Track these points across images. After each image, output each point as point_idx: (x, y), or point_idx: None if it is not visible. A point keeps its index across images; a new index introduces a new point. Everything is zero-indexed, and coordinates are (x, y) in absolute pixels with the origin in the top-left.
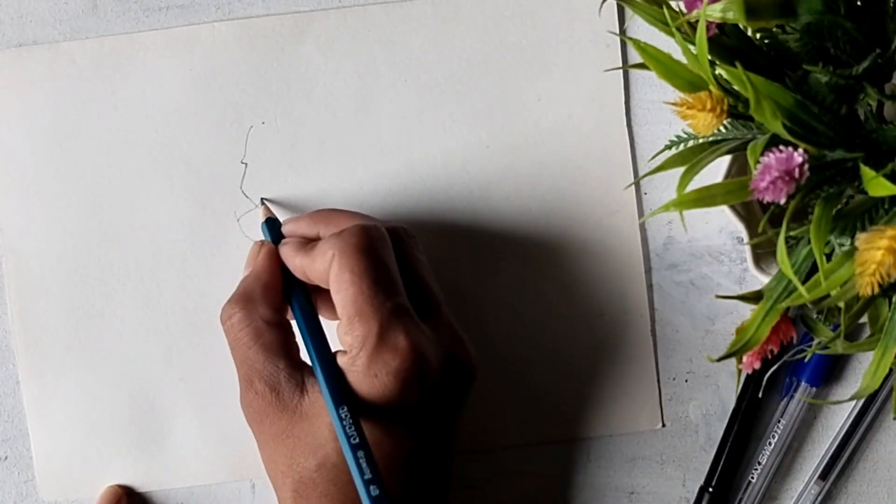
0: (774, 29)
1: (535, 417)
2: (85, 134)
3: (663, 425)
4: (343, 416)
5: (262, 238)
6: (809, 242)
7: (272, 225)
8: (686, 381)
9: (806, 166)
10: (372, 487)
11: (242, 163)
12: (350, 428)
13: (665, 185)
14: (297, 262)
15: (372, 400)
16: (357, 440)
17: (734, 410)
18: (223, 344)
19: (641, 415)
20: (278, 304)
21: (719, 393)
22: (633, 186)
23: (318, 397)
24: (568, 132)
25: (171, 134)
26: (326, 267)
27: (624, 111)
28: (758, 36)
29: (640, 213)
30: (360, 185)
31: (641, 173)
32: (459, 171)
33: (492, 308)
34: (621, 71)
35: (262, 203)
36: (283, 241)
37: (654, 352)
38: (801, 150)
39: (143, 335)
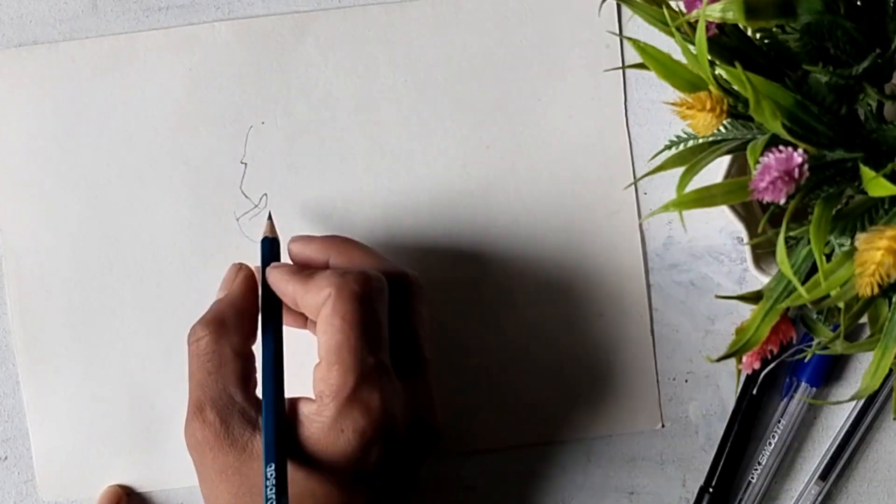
0: (774, 29)
1: (534, 417)
2: (85, 134)
3: (663, 425)
4: (269, 474)
5: (259, 250)
6: (809, 243)
7: (272, 245)
8: (686, 381)
9: (806, 166)
10: None
11: (242, 163)
12: (271, 490)
13: (665, 186)
14: (290, 289)
15: (331, 454)
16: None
17: (734, 410)
18: None
19: (641, 415)
20: (250, 332)
21: (719, 393)
22: (633, 186)
23: None
24: (568, 132)
25: (171, 134)
26: (319, 303)
27: (623, 111)
28: (757, 36)
29: (640, 213)
30: (360, 186)
31: (641, 173)
32: (459, 172)
33: (490, 308)
34: (620, 71)
35: (269, 219)
36: (273, 264)
37: (654, 352)
38: (800, 151)
39: (143, 335)
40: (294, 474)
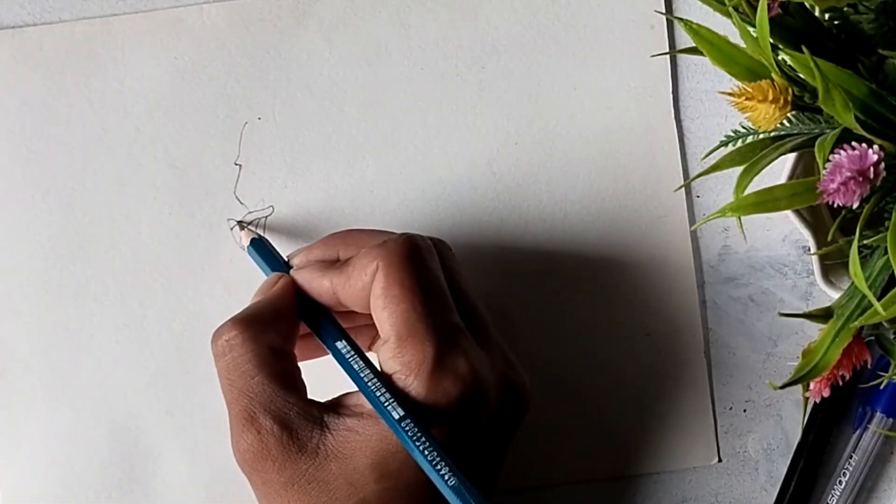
0: (846, 8)
1: (572, 452)
2: (55, 132)
3: (719, 461)
4: (431, 459)
5: (253, 262)
6: (886, 252)
7: (260, 247)
8: (744, 410)
9: (882, 165)
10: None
11: (236, 164)
12: (448, 473)
13: (720, 188)
14: (326, 284)
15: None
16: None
17: (799, 444)
18: (216, 371)
19: (694, 449)
20: (289, 334)
21: (782, 425)
22: (684, 189)
23: (350, 435)
24: (608, 126)
25: (155, 132)
26: (367, 282)
27: (672, 102)
28: (826, 17)
29: (692, 219)
30: (371, 190)
31: (693, 173)
32: (484, 172)
33: (520, 328)
34: (669, 56)
35: (241, 226)
36: (295, 265)
37: (709, 377)
38: (876, 147)
39: (125, 362)
40: (389, 465)
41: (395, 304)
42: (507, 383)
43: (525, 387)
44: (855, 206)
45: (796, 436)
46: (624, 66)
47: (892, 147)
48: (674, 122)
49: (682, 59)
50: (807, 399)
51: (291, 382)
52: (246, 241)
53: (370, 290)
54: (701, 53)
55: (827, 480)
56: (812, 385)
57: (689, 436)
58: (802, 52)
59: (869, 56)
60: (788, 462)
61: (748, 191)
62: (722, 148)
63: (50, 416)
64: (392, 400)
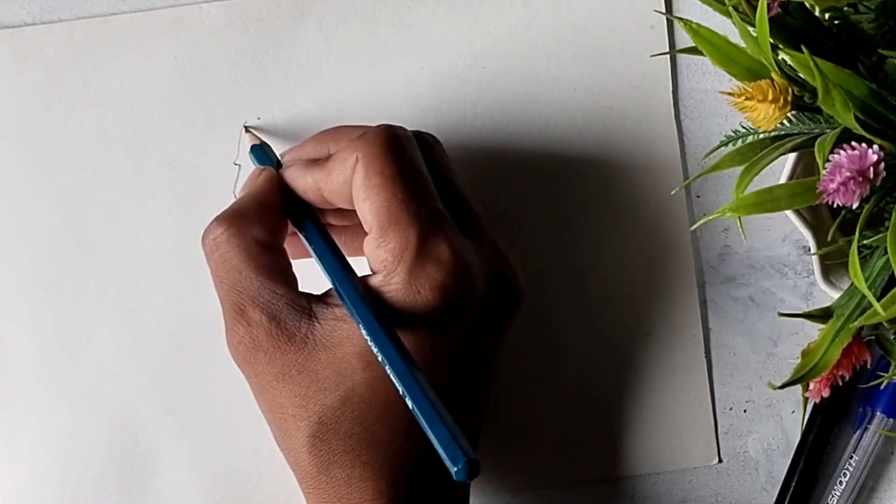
0: (846, 8)
1: (571, 453)
2: (54, 132)
3: (719, 461)
4: (379, 357)
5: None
6: (886, 252)
7: (261, 153)
8: (745, 410)
9: (882, 165)
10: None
11: (235, 164)
12: (399, 377)
13: (720, 188)
14: (310, 180)
15: (410, 321)
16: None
17: (800, 445)
18: (216, 372)
19: (694, 450)
20: (275, 227)
21: (782, 425)
22: (684, 189)
23: (337, 324)
24: (608, 127)
25: (154, 132)
26: (348, 175)
27: (672, 102)
28: (826, 16)
29: (692, 219)
30: None
31: (693, 173)
32: (485, 173)
33: (521, 327)
34: (669, 56)
35: (246, 130)
36: (287, 164)
37: (709, 377)
38: (875, 147)
39: (125, 362)
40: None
41: (375, 193)
42: (495, 272)
43: (517, 276)
44: (855, 206)
45: (796, 436)
46: (624, 66)
47: (892, 147)
48: (674, 122)
49: (682, 59)
50: (807, 399)
51: (281, 274)
52: (248, 144)
53: (352, 184)
54: (701, 53)
55: (827, 481)
56: (812, 385)
57: (689, 436)
58: (802, 51)
59: (869, 56)
60: (788, 462)
61: (748, 191)
62: (722, 148)
63: (49, 416)
64: (368, 309)
